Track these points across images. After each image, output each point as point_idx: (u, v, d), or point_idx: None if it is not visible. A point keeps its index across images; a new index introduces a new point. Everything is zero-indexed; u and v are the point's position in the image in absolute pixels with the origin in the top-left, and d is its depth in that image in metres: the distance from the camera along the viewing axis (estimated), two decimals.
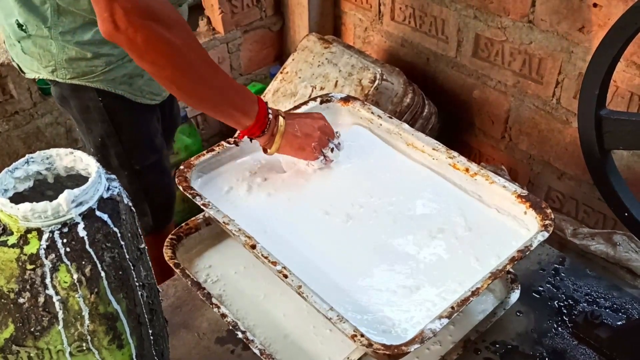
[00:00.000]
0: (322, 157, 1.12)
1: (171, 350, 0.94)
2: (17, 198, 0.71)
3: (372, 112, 1.23)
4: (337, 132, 1.15)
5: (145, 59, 0.93)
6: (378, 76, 1.79)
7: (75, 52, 1.19)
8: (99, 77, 1.23)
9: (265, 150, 1.10)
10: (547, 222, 0.98)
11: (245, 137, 1.09)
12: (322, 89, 1.89)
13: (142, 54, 0.92)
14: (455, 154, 1.12)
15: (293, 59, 2.02)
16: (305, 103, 1.26)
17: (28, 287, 0.66)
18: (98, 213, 0.68)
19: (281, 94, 1.98)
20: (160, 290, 1.11)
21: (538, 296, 1.13)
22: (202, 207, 1.01)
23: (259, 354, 0.94)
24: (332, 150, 1.13)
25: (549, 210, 0.99)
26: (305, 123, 1.10)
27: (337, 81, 1.87)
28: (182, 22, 0.94)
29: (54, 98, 1.36)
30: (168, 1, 0.95)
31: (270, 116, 1.05)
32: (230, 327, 0.98)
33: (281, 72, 2.03)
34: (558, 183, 1.79)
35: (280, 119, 1.06)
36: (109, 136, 1.31)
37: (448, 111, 1.97)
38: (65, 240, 0.66)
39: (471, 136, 1.98)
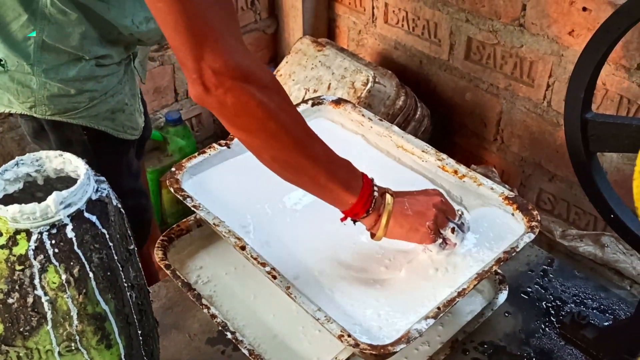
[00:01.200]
0: (440, 240, 0.97)
1: (162, 350, 0.95)
2: (7, 199, 0.72)
3: (362, 115, 1.24)
4: (459, 210, 1.01)
5: (236, 123, 0.84)
6: (371, 79, 1.80)
7: (58, 88, 1.14)
8: (82, 114, 1.19)
9: (372, 235, 0.96)
10: (533, 223, 0.99)
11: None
12: (315, 91, 1.90)
13: (232, 118, 0.83)
14: (444, 156, 1.14)
15: (287, 62, 2.03)
16: (297, 105, 1.27)
17: (17, 287, 0.67)
18: (86, 214, 0.69)
19: None
20: (152, 291, 1.12)
21: (526, 297, 1.14)
22: (192, 208, 1.02)
23: (247, 355, 0.95)
24: (452, 230, 0.97)
25: (535, 212, 1.01)
26: (418, 200, 0.96)
27: (330, 84, 1.88)
28: (276, 83, 0.85)
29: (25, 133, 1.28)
30: (260, 60, 0.86)
31: (376, 193, 0.93)
32: (220, 328, 0.99)
33: (275, 75, 2.05)
34: (549, 185, 1.80)
35: (388, 196, 0.94)
36: (91, 167, 1.29)
37: (441, 114, 1.98)
38: (53, 242, 0.67)
39: (464, 138, 1.99)
